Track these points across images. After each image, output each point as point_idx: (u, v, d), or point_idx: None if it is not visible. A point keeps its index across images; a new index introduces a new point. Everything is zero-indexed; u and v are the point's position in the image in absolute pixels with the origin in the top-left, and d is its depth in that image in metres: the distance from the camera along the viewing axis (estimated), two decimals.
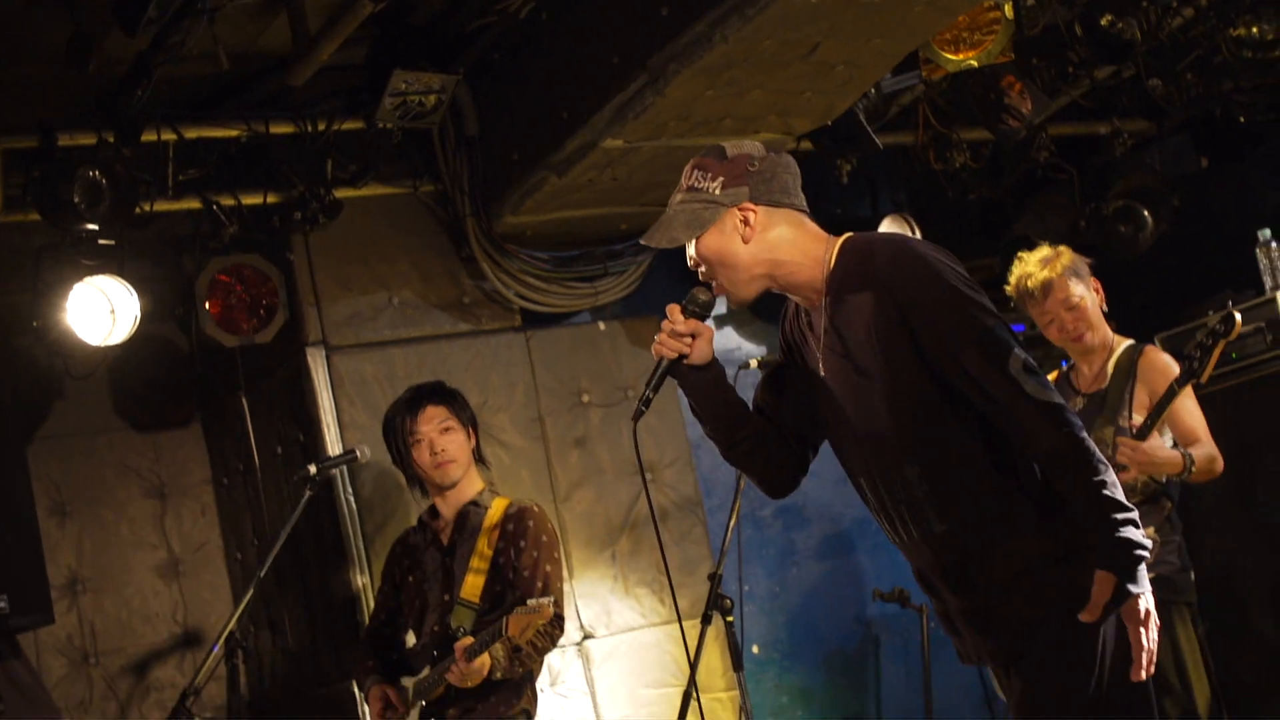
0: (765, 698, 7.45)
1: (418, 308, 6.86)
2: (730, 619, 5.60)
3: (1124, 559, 3.33)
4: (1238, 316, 5.18)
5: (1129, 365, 5.63)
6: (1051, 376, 5.96)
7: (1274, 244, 6.58)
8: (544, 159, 6.31)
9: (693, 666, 5.38)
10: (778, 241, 3.63)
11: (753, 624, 7.38)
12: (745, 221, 3.61)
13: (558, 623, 5.21)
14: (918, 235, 7.57)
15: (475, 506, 5.43)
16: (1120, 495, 3.36)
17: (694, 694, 5.62)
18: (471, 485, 5.49)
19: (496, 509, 5.41)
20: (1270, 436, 6.50)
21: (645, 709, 6.86)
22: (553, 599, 4.99)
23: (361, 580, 6.46)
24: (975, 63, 6.40)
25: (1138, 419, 5.48)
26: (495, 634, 4.90)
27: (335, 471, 6.30)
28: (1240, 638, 6.65)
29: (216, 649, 5.48)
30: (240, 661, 5.35)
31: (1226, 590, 6.69)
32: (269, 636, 7.20)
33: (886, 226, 7.46)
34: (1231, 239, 7.27)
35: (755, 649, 7.46)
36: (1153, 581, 4.90)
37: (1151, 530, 5.46)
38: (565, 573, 6.10)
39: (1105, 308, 5.76)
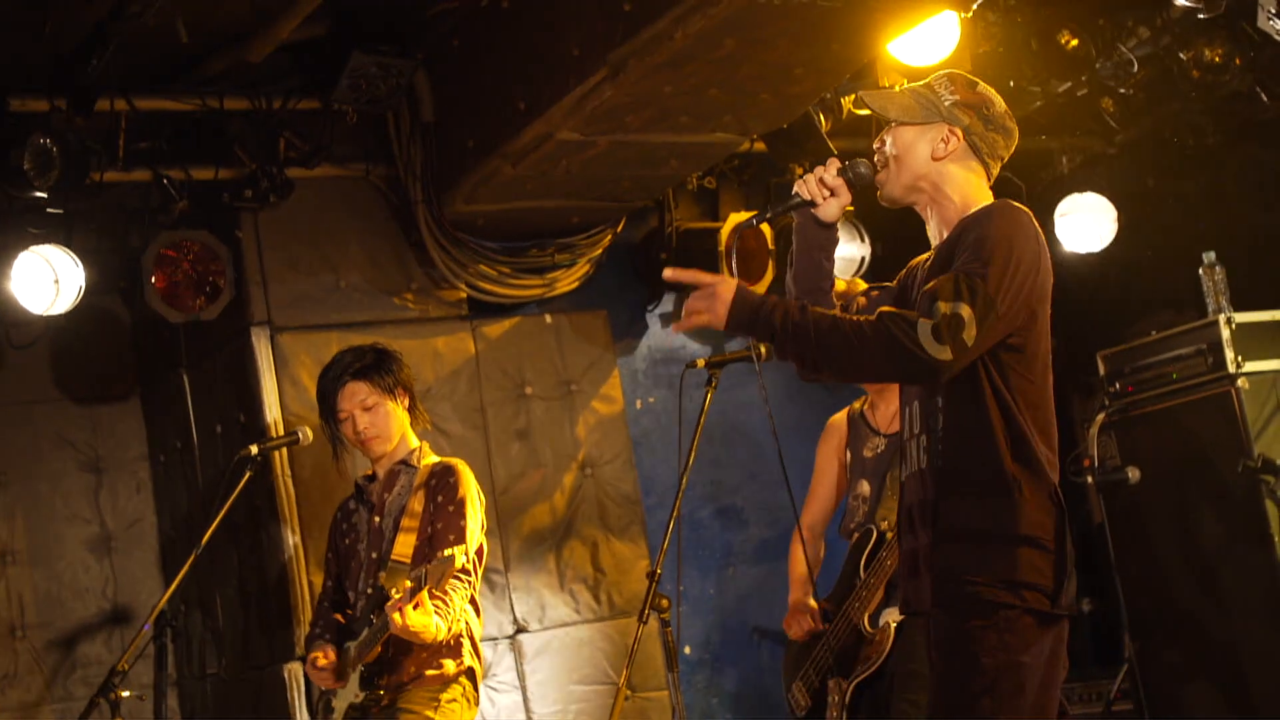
0: (696, 699, 7.46)
1: (365, 292, 6.83)
2: (666, 618, 5.59)
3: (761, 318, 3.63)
4: None
5: None
6: (842, 415, 5.94)
7: (1217, 266, 6.65)
8: (499, 148, 6.29)
9: (629, 663, 5.37)
10: (954, 176, 3.85)
11: (686, 625, 7.39)
12: (946, 141, 3.84)
13: (457, 577, 5.17)
14: (865, 242, 7.60)
15: (405, 466, 5.43)
16: (825, 348, 3.58)
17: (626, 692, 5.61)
18: (404, 446, 5.47)
19: (424, 467, 5.41)
20: (1206, 456, 6.56)
21: (575, 705, 6.85)
22: (464, 546, 4.99)
23: (296, 564, 6.41)
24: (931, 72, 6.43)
25: None
26: (418, 585, 4.89)
27: (275, 453, 6.27)
28: (1167, 641, 6.71)
29: (147, 627, 5.44)
30: (169, 641, 5.30)
31: (1157, 598, 6.75)
32: (200, 617, 7.15)
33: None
34: (1175, 260, 7.33)
35: (688, 650, 7.47)
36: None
37: None
38: (486, 527, 5.89)
39: None
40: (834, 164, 3.91)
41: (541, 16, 5.99)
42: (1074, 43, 6.64)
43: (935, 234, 3.90)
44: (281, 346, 6.56)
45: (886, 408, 5.68)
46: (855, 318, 3.61)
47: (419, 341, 6.82)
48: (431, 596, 5.01)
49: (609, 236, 7.26)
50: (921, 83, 3.93)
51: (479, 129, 6.40)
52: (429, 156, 6.68)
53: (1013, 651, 3.57)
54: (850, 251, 7.54)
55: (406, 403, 5.48)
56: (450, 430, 6.84)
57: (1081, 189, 7.68)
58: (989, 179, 3.91)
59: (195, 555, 5.30)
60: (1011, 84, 6.78)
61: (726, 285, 3.68)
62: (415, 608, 4.90)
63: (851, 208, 4.23)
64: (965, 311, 3.52)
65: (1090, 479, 6.85)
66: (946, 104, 3.86)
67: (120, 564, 7.25)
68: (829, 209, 3.93)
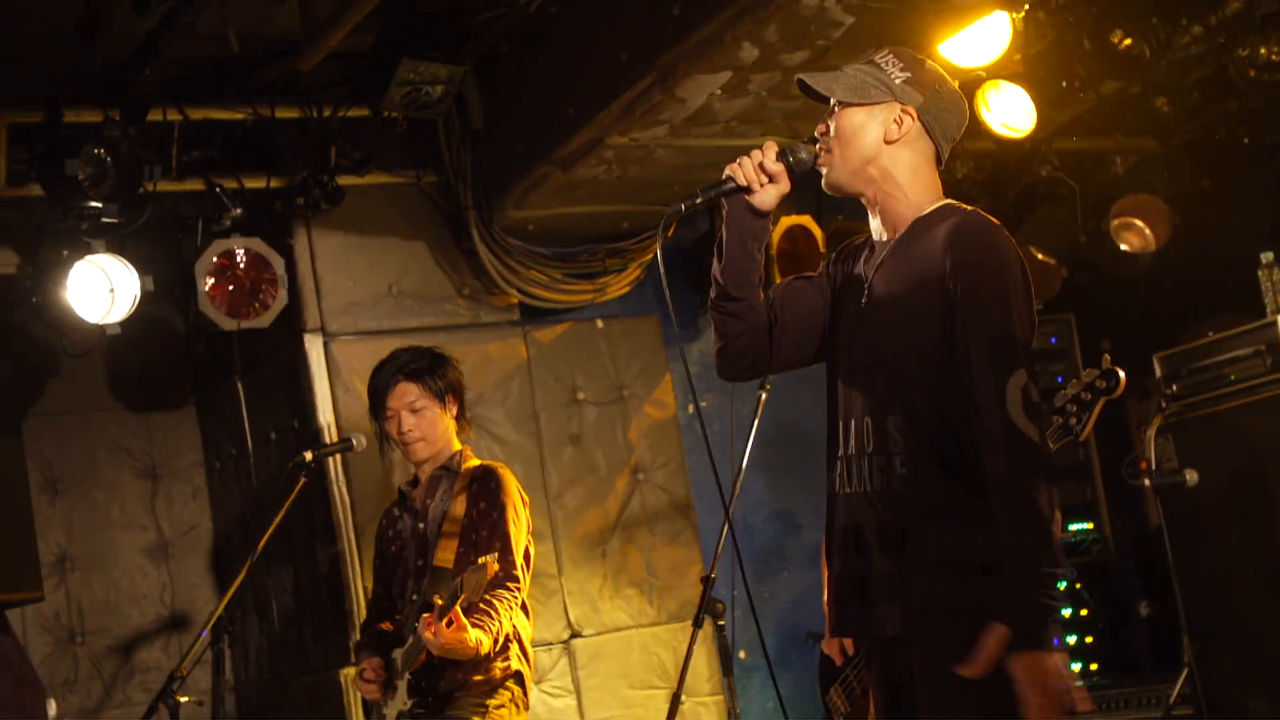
0: (750, 703, 7.43)
1: (416, 298, 6.85)
2: (721, 623, 5.57)
3: (1028, 618, 3.26)
4: (1121, 374, 5.03)
5: None
6: None
7: (1276, 266, 6.57)
8: (548, 154, 6.30)
9: (684, 668, 5.35)
10: (906, 162, 3.60)
11: (741, 629, 7.35)
12: (899, 122, 3.57)
13: (507, 577, 5.15)
14: None
15: (446, 471, 5.40)
16: (1052, 547, 3.30)
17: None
18: (446, 451, 5.42)
19: (465, 471, 5.39)
20: (1265, 458, 6.49)
21: (630, 710, 6.85)
22: (495, 554, 4.94)
23: (351, 569, 6.44)
24: (983, 72, 6.39)
25: None
26: (454, 597, 4.87)
27: (329, 459, 6.29)
28: (1227, 645, 6.63)
29: (205, 634, 5.47)
30: (227, 647, 5.32)
31: (1216, 602, 6.68)
32: (256, 622, 7.19)
33: None
34: (1233, 260, 7.26)
35: (742, 654, 7.44)
36: None
37: None
38: (533, 528, 5.81)
39: None
40: (772, 148, 3.64)
41: (590, 22, 6.00)
42: (1127, 42, 6.58)
43: (883, 229, 3.65)
44: (334, 353, 6.59)
45: None
46: (993, 482, 3.37)
47: (471, 347, 6.83)
48: (475, 610, 4.98)
49: (661, 239, 7.23)
50: (864, 59, 3.65)
51: (529, 135, 6.41)
52: (479, 163, 6.70)
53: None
54: None
55: (455, 410, 5.46)
56: (503, 436, 6.85)
57: (1136, 190, 7.61)
58: (940, 162, 3.66)
59: (250, 562, 5.31)
60: (1064, 84, 6.74)
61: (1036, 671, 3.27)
62: (449, 624, 4.87)
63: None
64: (1022, 375, 3.38)
65: (1148, 482, 6.77)
66: (897, 82, 3.58)
67: (177, 570, 7.31)
68: (766, 196, 3.64)
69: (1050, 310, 7.89)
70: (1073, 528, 7.91)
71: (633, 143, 6.09)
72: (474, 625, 4.94)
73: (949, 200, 3.64)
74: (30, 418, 6.92)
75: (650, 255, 7.25)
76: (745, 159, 3.64)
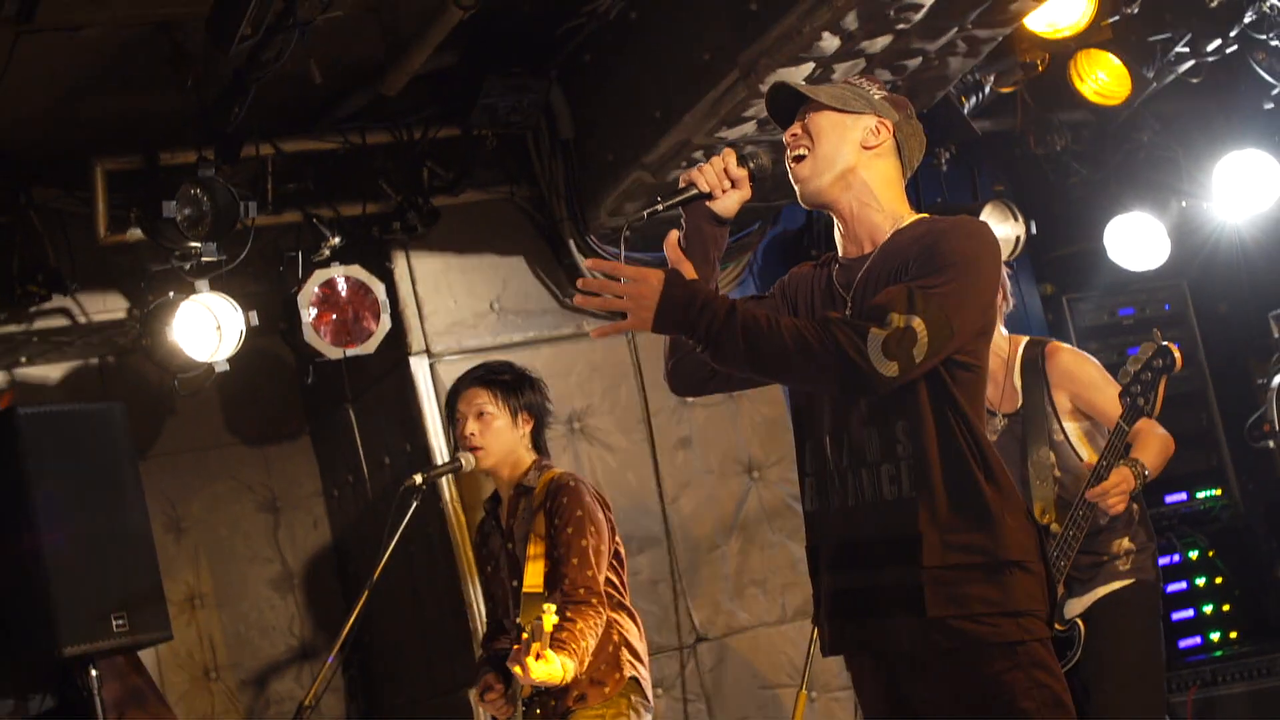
0: None
1: (519, 313, 6.86)
2: None
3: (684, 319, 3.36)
4: (1175, 350, 4.91)
5: (1035, 370, 5.23)
6: None
7: None
8: (638, 159, 6.29)
9: (806, 665, 5.32)
10: (881, 172, 3.63)
11: None
12: (876, 131, 3.61)
13: (589, 593, 5.08)
14: (1019, 221, 7.41)
15: (524, 488, 5.35)
16: (790, 354, 3.30)
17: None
18: (520, 467, 5.37)
19: (540, 486, 5.34)
20: None
21: (763, 710, 6.82)
22: (554, 606, 4.88)
23: (470, 588, 6.46)
24: (1072, 42, 6.29)
25: (1070, 426, 5.18)
26: (536, 634, 4.84)
27: (442, 480, 6.31)
28: None
29: (331, 660, 5.50)
30: (356, 672, 5.35)
31: None
32: (383, 647, 7.23)
33: (988, 213, 7.33)
34: None
35: None
36: (1131, 589, 4.86)
37: (1126, 540, 5.19)
38: (615, 530, 5.69)
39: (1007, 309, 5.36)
40: (732, 154, 3.66)
41: (670, 25, 5.98)
42: None
43: (859, 239, 3.64)
44: (440, 374, 6.62)
45: (995, 387, 5.29)
46: (796, 321, 3.37)
47: (578, 358, 6.84)
48: (557, 635, 4.92)
49: (759, 237, 7.22)
50: (839, 81, 3.74)
51: (617, 141, 6.41)
52: (570, 173, 6.70)
53: (1043, 684, 3.41)
54: (1005, 232, 7.37)
55: (528, 428, 5.40)
56: (614, 444, 6.84)
57: (1242, 147, 7.45)
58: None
59: (369, 590, 5.33)
60: (1158, 46, 6.62)
61: (650, 284, 3.36)
62: (537, 658, 4.83)
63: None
64: (919, 326, 3.30)
65: (1272, 444, 6.64)
66: (876, 97, 3.64)
67: (304, 600, 7.38)
68: (728, 202, 3.66)
69: (1162, 277, 7.74)
70: (1201, 494, 7.76)
71: (720, 142, 6.06)
72: (558, 651, 4.89)
73: (926, 215, 3.64)
74: (149, 459, 7.00)
75: (750, 252, 7.21)
76: (706, 165, 3.67)
